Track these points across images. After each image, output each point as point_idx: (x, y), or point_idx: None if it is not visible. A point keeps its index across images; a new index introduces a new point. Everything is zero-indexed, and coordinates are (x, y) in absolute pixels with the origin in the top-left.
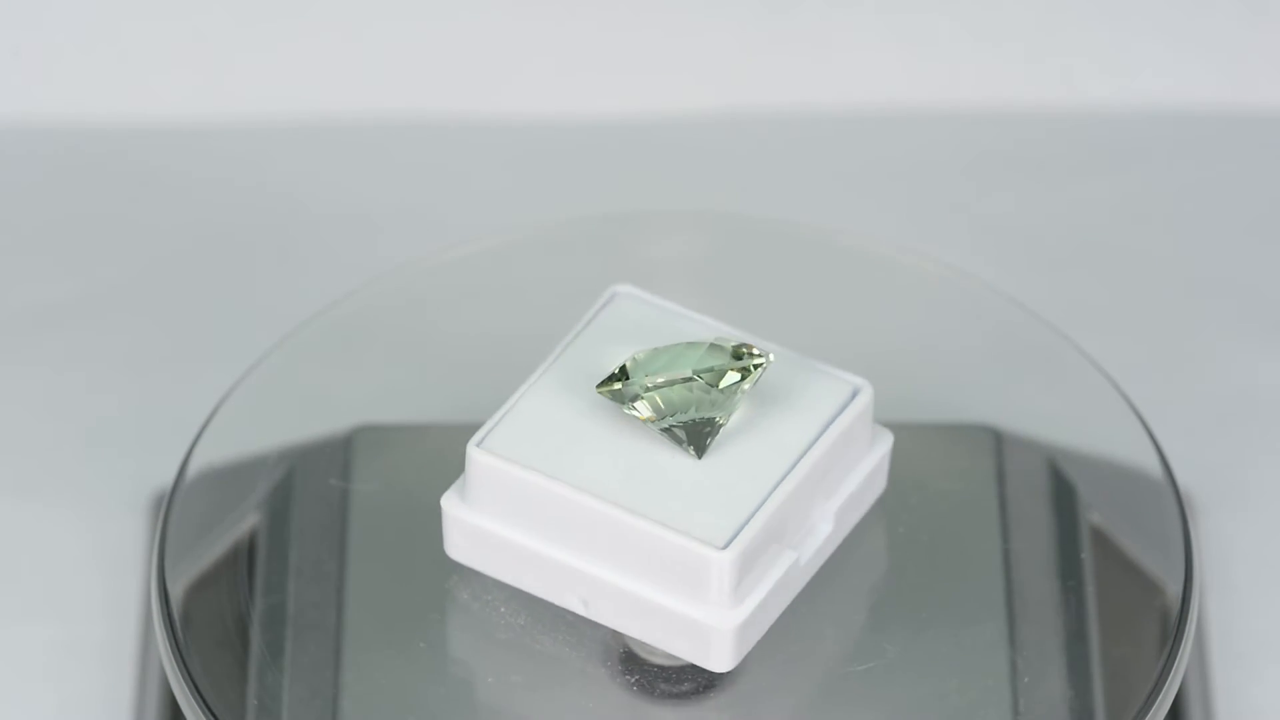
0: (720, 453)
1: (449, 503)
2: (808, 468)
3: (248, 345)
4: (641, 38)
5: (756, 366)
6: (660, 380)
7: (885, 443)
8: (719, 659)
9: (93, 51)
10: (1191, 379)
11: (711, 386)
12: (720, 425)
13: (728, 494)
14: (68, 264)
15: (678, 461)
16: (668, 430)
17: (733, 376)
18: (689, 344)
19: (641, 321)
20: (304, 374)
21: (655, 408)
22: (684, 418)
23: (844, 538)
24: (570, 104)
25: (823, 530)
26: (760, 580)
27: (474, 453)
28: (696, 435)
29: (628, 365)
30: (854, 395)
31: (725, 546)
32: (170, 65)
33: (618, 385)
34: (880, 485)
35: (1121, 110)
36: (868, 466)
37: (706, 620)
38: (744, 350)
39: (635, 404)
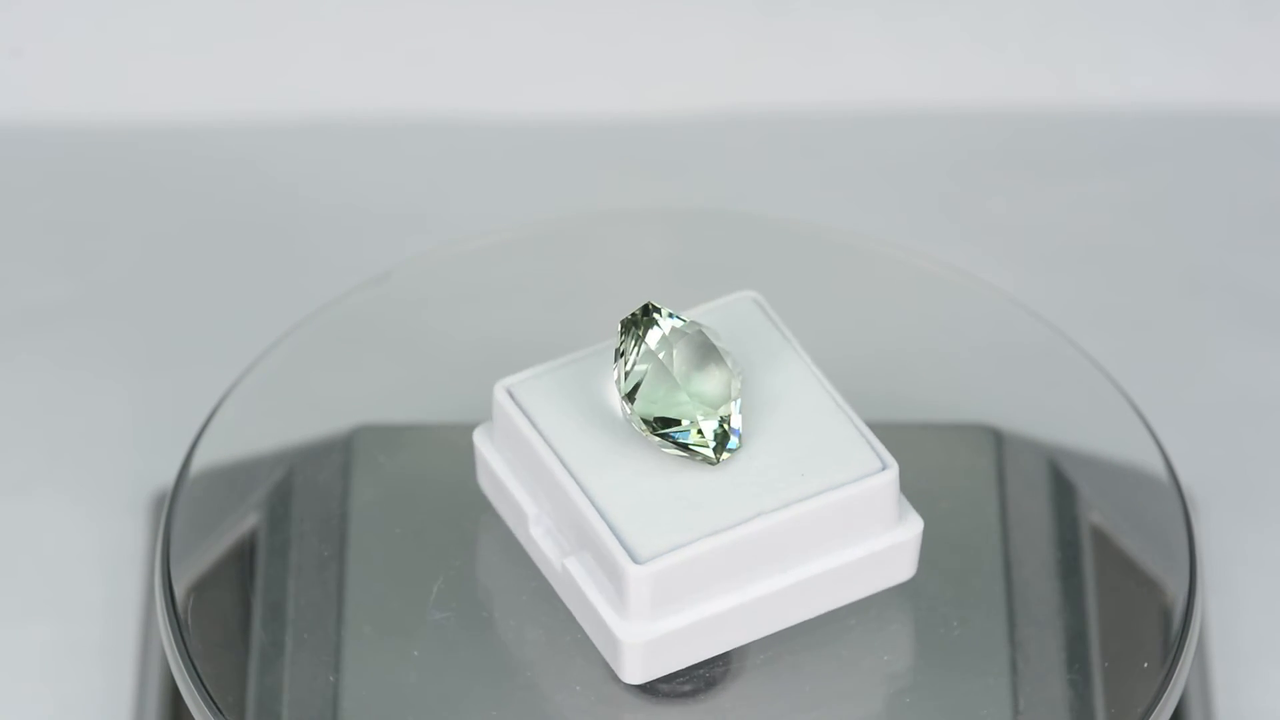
0: (707, 473)
1: (479, 437)
2: (785, 519)
3: (248, 345)
4: (640, 38)
5: (693, 448)
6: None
7: (912, 528)
8: (627, 671)
9: (93, 51)
10: (1191, 378)
11: (646, 420)
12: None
13: (684, 514)
14: (67, 264)
15: (668, 466)
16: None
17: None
18: (702, 392)
19: (739, 333)
20: (304, 374)
21: (620, 384)
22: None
23: (831, 609)
24: (568, 104)
25: (779, 581)
26: (686, 606)
27: (498, 393)
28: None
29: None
30: (880, 470)
31: (644, 562)
32: (170, 65)
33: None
34: (903, 571)
35: (1121, 110)
36: (878, 545)
37: (617, 630)
38: (724, 438)
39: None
